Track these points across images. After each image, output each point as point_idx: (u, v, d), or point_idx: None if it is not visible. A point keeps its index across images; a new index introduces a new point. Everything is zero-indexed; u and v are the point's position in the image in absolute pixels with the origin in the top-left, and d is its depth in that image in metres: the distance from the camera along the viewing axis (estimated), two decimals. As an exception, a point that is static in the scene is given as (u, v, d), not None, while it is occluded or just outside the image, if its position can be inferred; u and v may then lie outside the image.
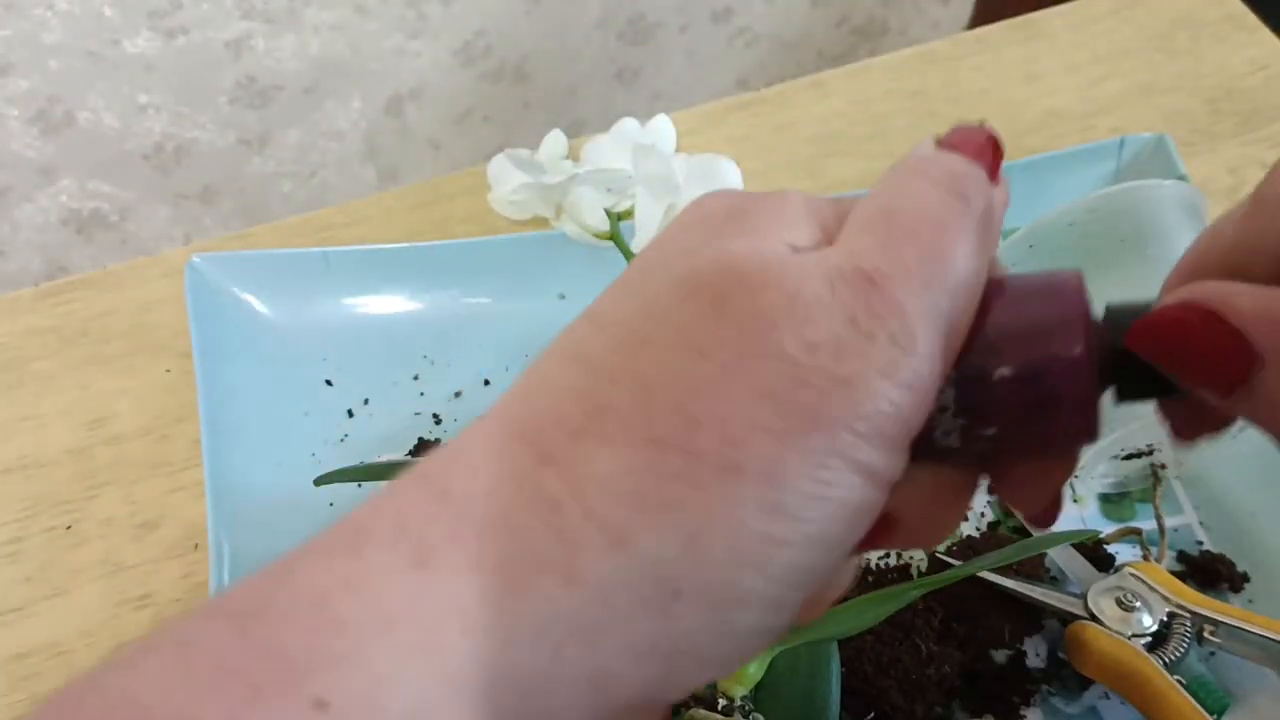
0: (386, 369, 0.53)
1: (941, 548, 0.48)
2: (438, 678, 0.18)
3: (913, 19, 1.39)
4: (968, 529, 0.49)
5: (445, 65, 1.17)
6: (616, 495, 0.19)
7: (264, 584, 0.19)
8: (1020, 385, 0.21)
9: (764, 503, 0.19)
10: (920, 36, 1.41)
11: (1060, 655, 0.44)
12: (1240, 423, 0.22)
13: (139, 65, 1.04)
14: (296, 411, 0.52)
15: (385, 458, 0.51)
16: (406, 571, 0.19)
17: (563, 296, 0.55)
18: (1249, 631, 0.41)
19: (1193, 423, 0.24)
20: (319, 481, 0.41)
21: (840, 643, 0.42)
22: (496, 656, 0.18)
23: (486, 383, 0.53)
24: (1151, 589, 0.43)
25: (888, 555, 0.48)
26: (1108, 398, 0.22)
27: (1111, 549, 0.47)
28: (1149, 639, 0.42)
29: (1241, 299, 0.20)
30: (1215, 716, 0.40)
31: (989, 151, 0.22)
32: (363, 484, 0.51)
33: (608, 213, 0.53)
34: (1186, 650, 0.41)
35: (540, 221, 0.56)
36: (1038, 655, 0.45)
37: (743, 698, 0.38)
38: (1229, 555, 0.47)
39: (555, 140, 0.56)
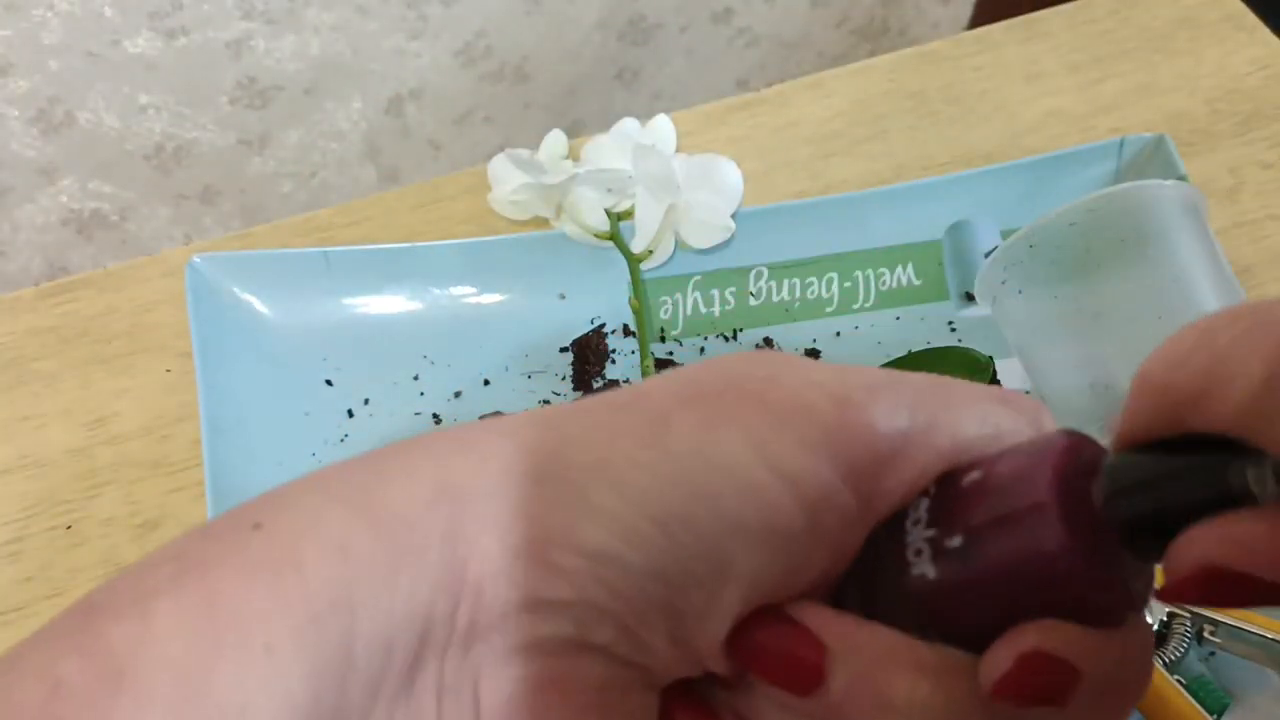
0: (386, 369, 0.53)
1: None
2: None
3: (913, 19, 1.39)
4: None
5: (445, 66, 1.17)
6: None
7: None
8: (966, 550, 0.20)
9: (647, 431, 0.21)
10: (920, 36, 1.41)
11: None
12: None
13: (139, 65, 1.04)
14: (296, 411, 0.52)
15: (385, 458, 0.51)
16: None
17: (563, 296, 0.55)
18: (1249, 631, 0.41)
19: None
20: (319, 481, 0.41)
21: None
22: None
23: (486, 383, 0.53)
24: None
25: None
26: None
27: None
28: (1149, 639, 0.42)
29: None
30: (1215, 716, 0.40)
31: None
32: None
33: (608, 213, 0.53)
34: (1186, 650, 0.41)
35: (540, 221, 0.56)
36: (1038, 655, 0.45)
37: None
38: (1229, 555, 0.46)
39: (555, 140, 0.56)
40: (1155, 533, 0.18)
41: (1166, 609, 0.42)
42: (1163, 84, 0.64)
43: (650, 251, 0.53)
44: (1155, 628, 0.42)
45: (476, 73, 1.19)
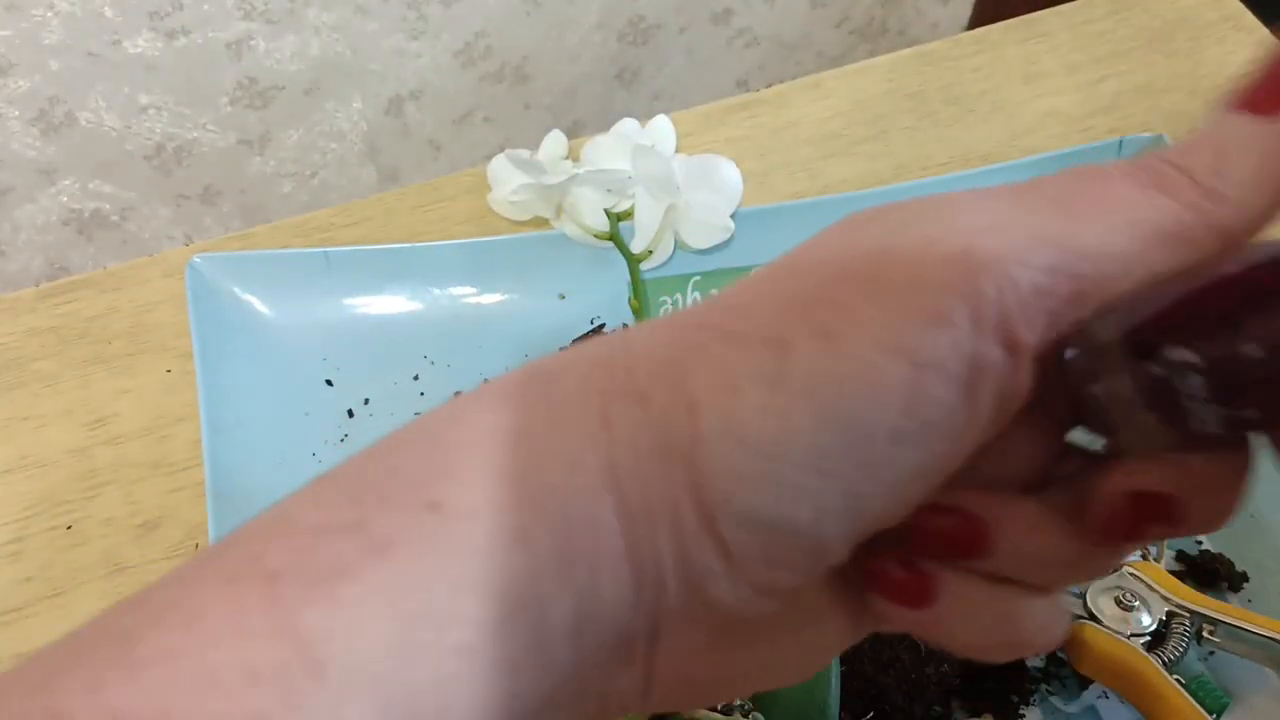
0: (386, 369, 0.53)
1: (941, 547, 0.48)
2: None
3: (912, 19, 1.39)
4: (967, 529, 0.49)
5: (446, 66, 1.17)
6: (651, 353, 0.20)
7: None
8: (1271, 361, 0.18)
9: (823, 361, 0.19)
10: (920, 37, 1.41)
11: (1059, 654, 0.44)
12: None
13: (140, 66, 1.04)
14: (297, 411, 0.52)
15: (385, 457, 0.51)
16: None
17: (563, 296, 0.55)
18: (1248, 631, 0.41)
19: None
20: (319, 481, 0.41)
21: (839, 642, 0.42)
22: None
23: (486, 383, 0.53)
24: (1150, 588, 0.43)
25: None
26: None
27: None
28: (1148, 638, 0.42)
29: None
30: (1214, 716, 0.40)
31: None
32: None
33: (608, 213, 0.53)
34: (1185, 650, 0.41)
35: (540, 221, 0.56)
36: (1037, 654, 0.45)
37: (742, 697, 0.38)
38: (1228, 555, 0.47)
39: (555, 140, 0.56)
40: None
41: (1166, 607, 0.42)
42: (1162, 84, 0.64)
43: (650, 251, 0.54)
44: (1154, 627, 0.42)
45: (476, 73, 1.19)
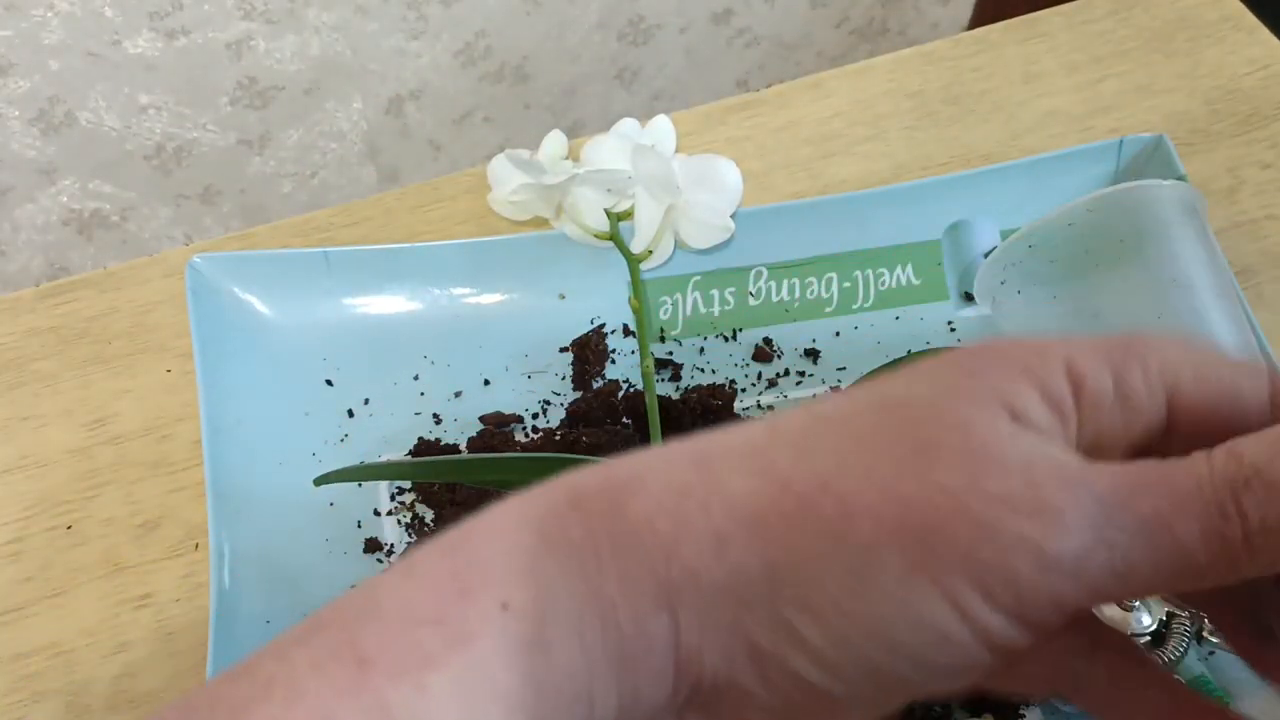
0: (386, 369, 0.53)
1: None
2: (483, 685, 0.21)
3: (913, 19, 1.39)
4: (967, 529, 0.49)
5: (446, 66, 1.17)
6: (730, 507, 0.22)
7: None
8: None
9: (850, 576, 0.21)
10: (920, 37, 1.41)
11: (1059, 655, 0.44)
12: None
13: (140, 66, 1.04)
14: (297, 411, 0.52)
15: (386, 458, 0.51)
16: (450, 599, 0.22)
17: (563, 296, 0.55)
18: (1248, 631, 0.41)
19: None
20: (319, 481, 0.41)
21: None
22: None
23: (486, 383, 0.53)
24: (1150, 588, 0.43)
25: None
26: None
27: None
28: (1148, 638, 0.42)
29: None
30: (1214, 716, 0.40)
31: None
32: (363, 484, 0.51)
33: (608, 213, 0.53)
34: (1185, 650, 0.41)
35: (540, 221, 0.56)
36: (1037, 655, 0.45)
37: None
38: (1228, 555, 0.46)
39: (555, 140, 0.56)
40: None
41: (1165, 607, 0.42)
42: (1162, 84, 0.64)
43: (650, 251, 0.54)
44: (1154, 627, 0.42)
45: (476, 73, 1.19)
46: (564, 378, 0.53)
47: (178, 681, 0.46)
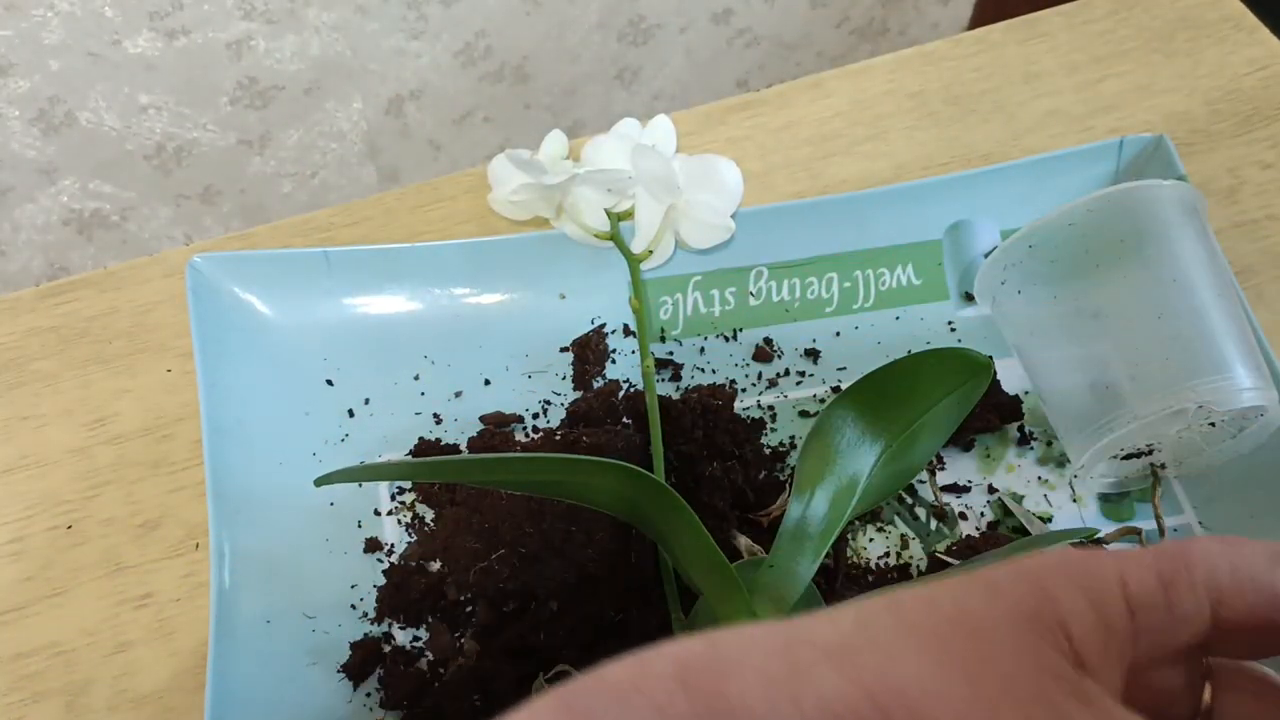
0: (387, 369, 0.53)
1: (940, 547, 0.48)
2: None
3: (913, 19, 1.39)
4: (967, 529, 0.49)
5: (446, 66, 1.17)
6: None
7: None
8: None
9: None
10: (920, 37, 1.41)
11: (1060, 655, 0.44)
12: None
13: (140, 66, 1.04)
14: (297, 411, 0.52)
15: (386, 458, 0.51)
16: None
17: (563, 296, 0.55)
18: (1248, 631, 0.41)
19: None
20: (319, 482, 0.41)
21: (840, 642, 0.42)
22: None
23: (487, 382, 0.53)
24: (1151, 588, 0.43)
25: (887, 555, 0.48)
26: None
27: (1111, 548, 0.47)
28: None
29: None
30: (1214, 716, 0.40)
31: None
32: (363, 484, 0.51)
33: (608, 213, 0.53)
34: (1186, 650, 0.41)
35: (540, 221, 0.56)
36: (1037, 655, 0.45)
37: None
38: (1228, 555, 0.47)
39: (555, 140, 0.56)
40: None
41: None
42: (1162, 84, 0.64)
43: (650, 251, 0.54)
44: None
45: (476, 73, 1.19)
46: (564, 378, 0.54)
47: (178, 681, 0.46)
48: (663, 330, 0.55)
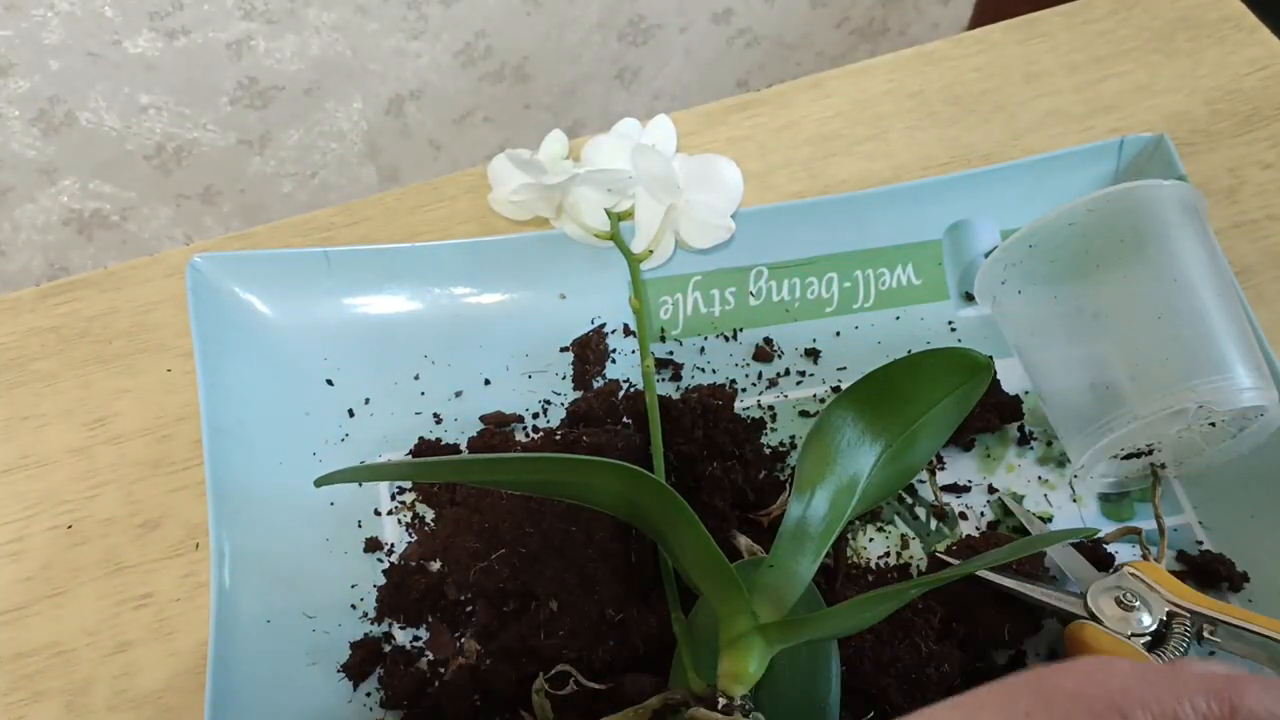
0: (387, 369, 0.53)
1: (940, 547, 0.48)
2: None
3: (913, 19, 1.39)
4: (967, 528, 0.49)
5: (446, 66, 1.17)
6: None
7: None
8: None
9: None
10: (920, 37, 1.41)
11: (1060, 654, 0.44)
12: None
13: (140, 66, 1.04)
14: (297, 411, 0.52)
15: (386, 457, 0.51)
16: None
17: (563, 296, 0.55)
18: (1248, 631, 0.41)
19: None
20: (319, 482, 0.41)
21: (840, 642, 0.42)
22: None
23: (487, 382, 0.53)
24: (1151, 588, 0.43)
25: (887, 555, 0.48)
26: None
27: (1111, 548, 0.47)
28: (1148, 638, 0.42)
29: None
30: (1214, 716, 0.40)
31: None
32: (363, 484, 0.51)
33: (608, 213, 0.53)
34: (1186, 649, 0.41)
35: (540, 221, 0.56)
36: (1037, 655, 0.45)
37: (743, 696, 0.38)
38: (1228, 555, 0.47)
39: (555, 140, 0.56)
40: None
41: (1166, 607, 0.42)
42: (1162, 84, 0.64)
43: (650, 251, 0.54)
44: (1154, 627, 0.42)
45: (476, 73, 1.19)
46: (564, 377, 0.54)
47: (178, 681, 0.46)
48: (663, 330, 0.55)
